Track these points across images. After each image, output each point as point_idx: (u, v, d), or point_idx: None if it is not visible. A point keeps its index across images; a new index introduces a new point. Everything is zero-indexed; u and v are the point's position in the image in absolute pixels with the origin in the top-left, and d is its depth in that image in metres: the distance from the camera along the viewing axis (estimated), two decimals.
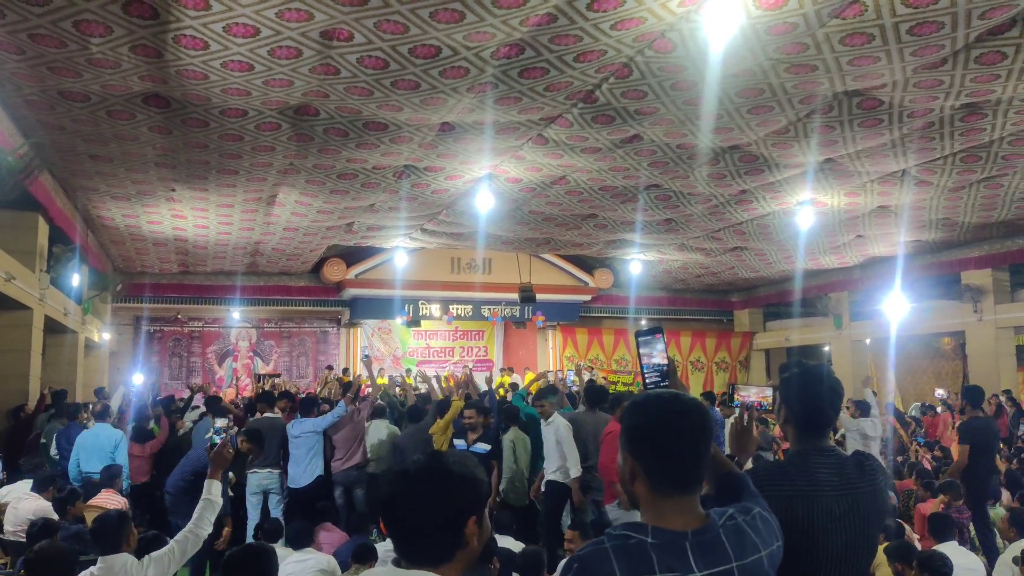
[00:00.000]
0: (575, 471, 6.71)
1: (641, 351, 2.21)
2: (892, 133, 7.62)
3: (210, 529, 3.83)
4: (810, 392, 2.23)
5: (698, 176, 9.16)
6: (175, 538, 3.86)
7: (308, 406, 7.94)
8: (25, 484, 6.12)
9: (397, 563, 1.60)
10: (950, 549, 4.55)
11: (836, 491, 2.10)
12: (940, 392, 13.42)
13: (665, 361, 2.18)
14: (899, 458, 10.10)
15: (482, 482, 1.64)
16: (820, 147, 8.06)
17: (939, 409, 13.44)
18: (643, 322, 19.20)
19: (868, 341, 17.40)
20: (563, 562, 1.60)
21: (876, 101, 6.78)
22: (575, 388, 10.68)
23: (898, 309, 14.15)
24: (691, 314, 20.14)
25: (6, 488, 5.91)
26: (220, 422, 5.05)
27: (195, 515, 3.82)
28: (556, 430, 6.98)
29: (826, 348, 19.01)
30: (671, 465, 1.65)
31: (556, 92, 6.43)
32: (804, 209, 10.42)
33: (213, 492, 3.80)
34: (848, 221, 11.67)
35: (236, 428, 7.75)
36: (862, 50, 5.66)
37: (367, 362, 9.50)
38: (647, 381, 2.20)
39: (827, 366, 2.40)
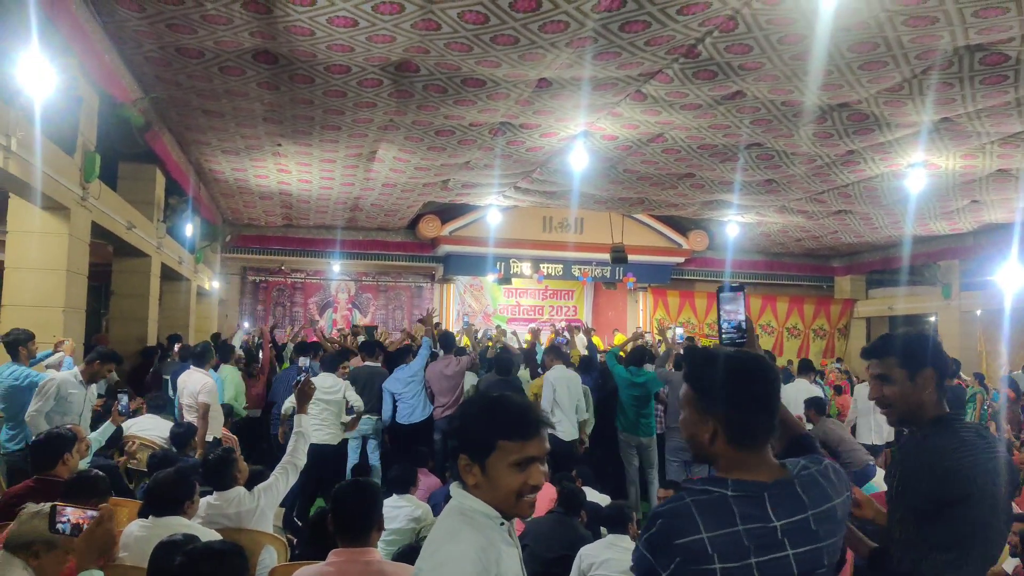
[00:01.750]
0: None
1: (724, 307, 2.23)
2: (1017, 91, 7.13)
3: (305, 459, 4.10)
4: (940, 349, 2.24)
5: (803, 135, 8.84)
6: (275, 470, 4.16)
7: (403, 354, 8.27)
8: (150, 419, 6.59)
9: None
10: None
11: (986, 455, 2.07)
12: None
13: (744, 319, 2.20)
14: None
15: (477, 424, 1.78)
16: (936, 106, 7.63)
17: None
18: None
19: (979, 312, 16.54)
20: (649, 517, 1.67)
21: (1001, 56, 6.36)
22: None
23: (1014, 279, 13.37)
24: (789, 279, 19.56)
25: (131, 420, 6.39)
26: (303, 361, 5.36)
27: (289, 447, 4.12)
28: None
29: (932, 318, 18.19)
30: (748, 419, 1.69)
31: (657, 47, 6.31)
32: (915, 171, 9.90)
33: (304, 425, 4.08)
34: (963, 185, 11.04)
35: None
36: (989, 0, 5.32)
37: (467, 329, 9.89)
38: (724, 337, 2.22)
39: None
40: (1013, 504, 5.67)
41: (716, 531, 1.55)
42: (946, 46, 6.17)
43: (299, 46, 6.44)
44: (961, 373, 14.20)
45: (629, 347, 9.07)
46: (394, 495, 5.28)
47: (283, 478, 4.11)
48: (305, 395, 4.19)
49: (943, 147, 9.14)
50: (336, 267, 17.08)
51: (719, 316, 2.25)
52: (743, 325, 2.21)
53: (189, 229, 11.95)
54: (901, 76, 6.86)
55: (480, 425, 1.75)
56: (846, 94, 7.41)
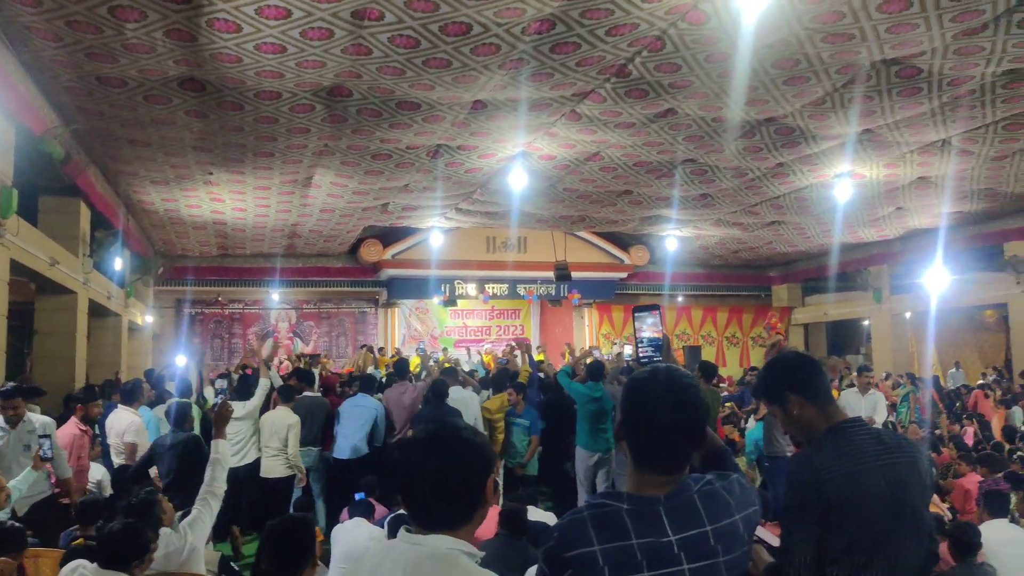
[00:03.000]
0: None
1: (636, 325, 2.25)
2: (932, 102, 7.44)
3: (224, 486, 3.92)
4: (818, 366, 2.24)
5: (733, 150, 9.05)
6: (196, 502, 3.98)
7: (370, 383, 8.21)
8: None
9: (408, 530, 1.64)
10: (1000, 526, 4.48)
11: (881, 460, 2.04)
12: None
13: (660, 335, 2.21)
14: (936, 431, 9.99)
15: (488, 444, 1.71)
16: (858, 118, 7.89)
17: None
18: (679, 298, 19.12)
19: (908, 315, 17.12)
20: (549, 530, 1.66)
21: (915, 69, 6.62)
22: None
23: (939, 282, 13.88)
24: (728, 290, 19.98)
25: None
26: (220, 383, 5.19)
27: (207, 476, 3.92)
28: None
29: (865, 322, 18.76)
30: (649, 446, 1.70)
31: (588, 67, 6.39)
32: (842, 181, 10.23)
33: (220, 451, 3.88)
34: (887, 193, 11.44)
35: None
36: (900, 17, 5.53)
37: (422, 355, 9.85)
38: (640, 355, 2.24)
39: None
40: (939, 501, 5.82)
41: (608, 543, 1.57)
42: (864, 61, 6.39)
43: (227, 73, 6.32)
44: (890, 372, 14.69)
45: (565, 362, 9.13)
46: (356, 517, 5.18)
47: (206, 509, 3.94)
48: (222, 419, 4.02)
49: (867, 157, 9.46)
50: (275, 296, 16.76)
51: (635, 334, 2.27)
52: (659, 343, 2.22)
53: (118, 263, 11.59)
54: (823, 90, 7.07)
55: (489, 452, 1.72)
56: (772, 109, 7.61)
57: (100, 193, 9.75)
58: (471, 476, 1.62)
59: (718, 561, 1.62)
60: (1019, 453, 7.54)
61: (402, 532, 1.64)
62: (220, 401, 4.11)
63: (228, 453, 3.88)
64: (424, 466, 1.61)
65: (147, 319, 15.14)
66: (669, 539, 1.59)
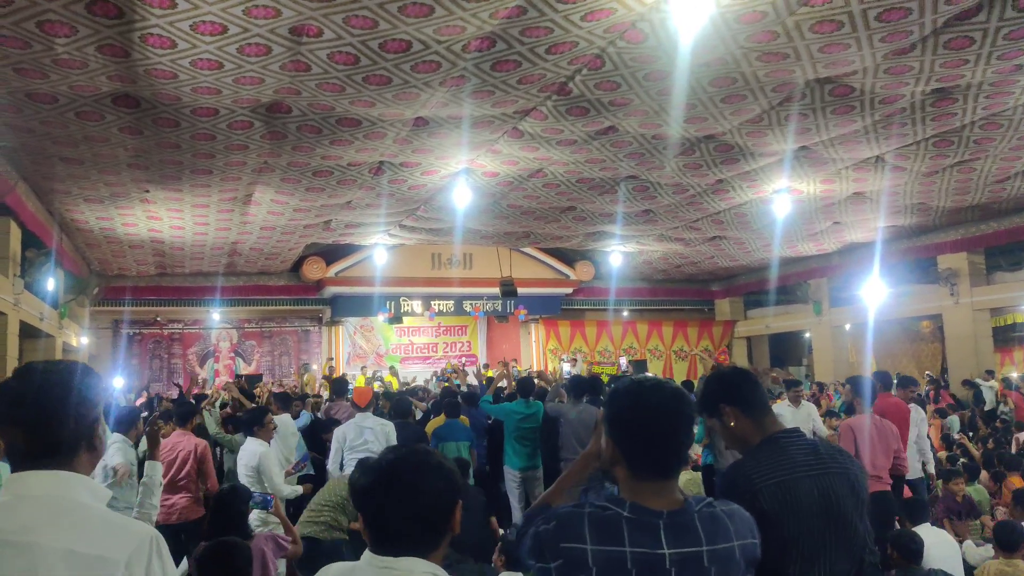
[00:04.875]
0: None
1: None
2: (865, 119, 7.66)
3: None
4: (753, 380, 2.27)
5: (674, 166, 9.18)
6: None
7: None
8: None
9: (376, 553, 1.56)
10: (925, 530, 4.61)
11: (814, 470, 2.07)
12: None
13: None
14: None
15: (456, 469, 1.67)
16: (794, 135, 8.09)
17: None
18: (624, 313, 19.27)
19: (848, 327, 17.54)
20: (547, 515, 1.69)
21: (848, 88, 6.82)
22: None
23: (876, 294, 14.28)
24: (673, 304, 20.23)
25: None
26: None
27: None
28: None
29: (806, 335, 19.16)
30: (648, 452, 1.70)
31: (529, 85, 6.42)
32: (780, 197, 10.48)
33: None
34: (824, 208, 11.74)
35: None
36: (832, 37, 5.69)
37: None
38: None
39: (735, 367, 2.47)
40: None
41: (600, 546, 1.58)
42: (798, 79, 6.55)
43: (162, 89, 6.18)
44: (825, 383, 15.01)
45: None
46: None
47: None
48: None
49: (803, 173, 9.70)
50: (216, 315, 16.38)
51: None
52: None
53: (51, 283, 11.20)
54: (760, 108, 7.23)
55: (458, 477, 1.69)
56: (711, 126, 7.75)
57: (31, 212, 9.43)
58: (444, 502, 1.57)
59: None
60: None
61: (368, 556, 1.57)
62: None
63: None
64: (396, 491, 1.55)
65: (82, 340, 14.66)
66: (663, 552, 1.59)
